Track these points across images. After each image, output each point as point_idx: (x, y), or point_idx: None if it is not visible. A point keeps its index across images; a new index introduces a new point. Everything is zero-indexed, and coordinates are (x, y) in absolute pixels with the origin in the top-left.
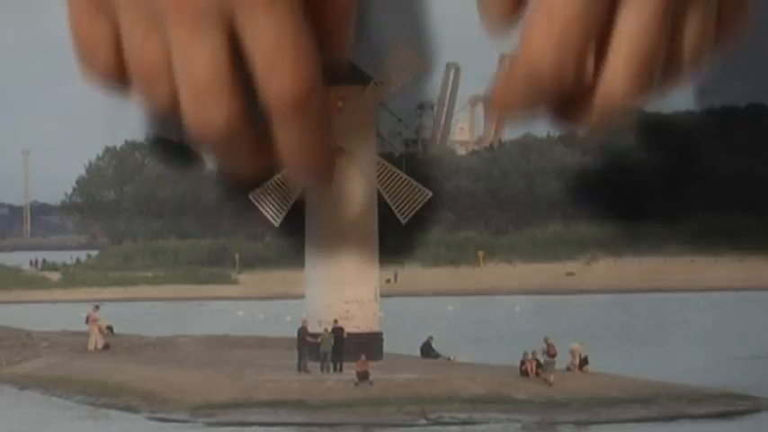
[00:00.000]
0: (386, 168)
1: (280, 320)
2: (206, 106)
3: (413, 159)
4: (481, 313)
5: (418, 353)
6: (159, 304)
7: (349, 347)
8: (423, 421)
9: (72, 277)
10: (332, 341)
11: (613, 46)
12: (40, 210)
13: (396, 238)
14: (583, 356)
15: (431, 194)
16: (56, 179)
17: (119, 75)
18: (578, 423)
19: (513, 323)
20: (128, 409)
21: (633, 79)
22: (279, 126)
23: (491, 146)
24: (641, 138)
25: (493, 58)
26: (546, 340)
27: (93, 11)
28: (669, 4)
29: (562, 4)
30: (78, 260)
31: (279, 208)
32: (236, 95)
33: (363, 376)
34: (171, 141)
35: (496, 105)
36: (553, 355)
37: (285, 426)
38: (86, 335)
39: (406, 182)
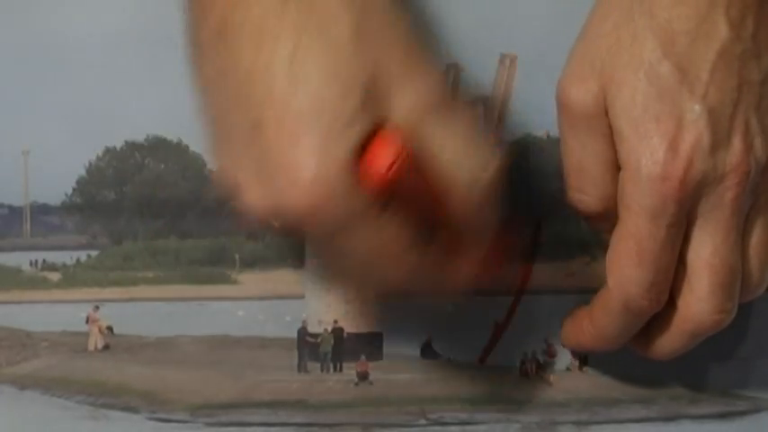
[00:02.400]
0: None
1: (280, 320)
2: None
3: None
4: (481, 313)
5: (418, 353)
6: (159, 304)
7: (349, 347)
8: (423, 421)
9: (72, 277)
10: (332, 341)
11: (694, 271)
12: (40, 210)
13: None
14: (583, 356)
15: None
16: (56, 179)
17: None
18: (578, 423)
19: (513, 323)
20: (128, 409)
21: (720, 304)
22: None
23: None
24: None
25: (493, 58)
26: (546, 340)
27: None
28: (738, 225)
29: (647, 234)
30: (78, 260)
31: None
32: None
33: (363, 376)
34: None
35: (590, 342)
36: (553, 355)
37: (285, 426)
38: (86, 335)
39: None
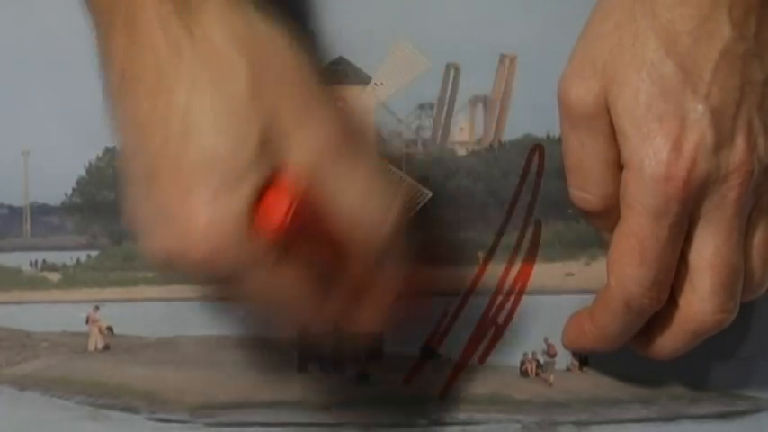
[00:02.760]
0: (386, 168)
1: (279, 320)
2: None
3: (413, 159)
4: (481, 312)
5: (418, 353)
6: (159, 304)
7: (349, 347)
8: (423, 421)
9: (72, 278)
10: (332, 341)
11: (696, 271)
12: (40, 210)
13: None
14: (583, 356)
15: (431, 194)
16: (56, 179)
17: None
18: (578, 423)
19: (513, 323)
20: (128, 409)
21: (722, 303)
22: None
23: (491, 146)
24: None
25: (493, 58)
26: (546, 340)
27: None
28: (741, 225)
29: (650, 234)
30: (78, 260)
31: None
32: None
33: (363, 376)
34: None
35: (592, 342)
36: (553, 355)
37: (285, 426)
38: (86, 335)
39: (406, 182)
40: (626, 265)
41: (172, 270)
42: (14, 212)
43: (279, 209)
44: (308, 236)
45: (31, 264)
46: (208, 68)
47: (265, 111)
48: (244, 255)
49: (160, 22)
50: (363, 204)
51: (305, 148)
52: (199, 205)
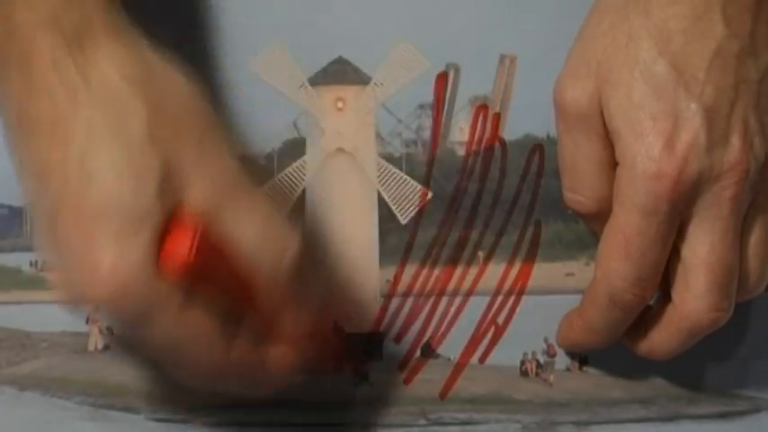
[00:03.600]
0: (386, 168)
1: None
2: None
3: (413, 159)
4: (481, 313)
5: (418, 353)
6: None
7: (349, 347)
8: (423, 421)
9: None
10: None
11: (691, 269)
12: None
13: (396, 238)
14: (582, 356)
15: (431, 194)
16: None
17: None
18: (578, 423)
19: (513, 323)
20: (128, 409)
21: (717, 302)
22: None
23: (491, 146)
24: None
25: (493, 58)
26: (546, 340)
27: None
28: (737, 224)
29: (637, 231)
30: None
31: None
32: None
33: (363, 376)
34: None
35: (580, 336)
36: (553, 355)
37: (285, 426)
38: (86, 335)
39: (406, 182)
40: (612, 259)
41: (81, 308)
42: (14, 212)
43: (181, 249)
44: (211, 276)
45: (31, 264)
46: (105, 112)
47: (163, 152)
48: (148, 296)
49: (55, 65)
50: (261, 243)
51: (203, 186)
52: (101, 249)
